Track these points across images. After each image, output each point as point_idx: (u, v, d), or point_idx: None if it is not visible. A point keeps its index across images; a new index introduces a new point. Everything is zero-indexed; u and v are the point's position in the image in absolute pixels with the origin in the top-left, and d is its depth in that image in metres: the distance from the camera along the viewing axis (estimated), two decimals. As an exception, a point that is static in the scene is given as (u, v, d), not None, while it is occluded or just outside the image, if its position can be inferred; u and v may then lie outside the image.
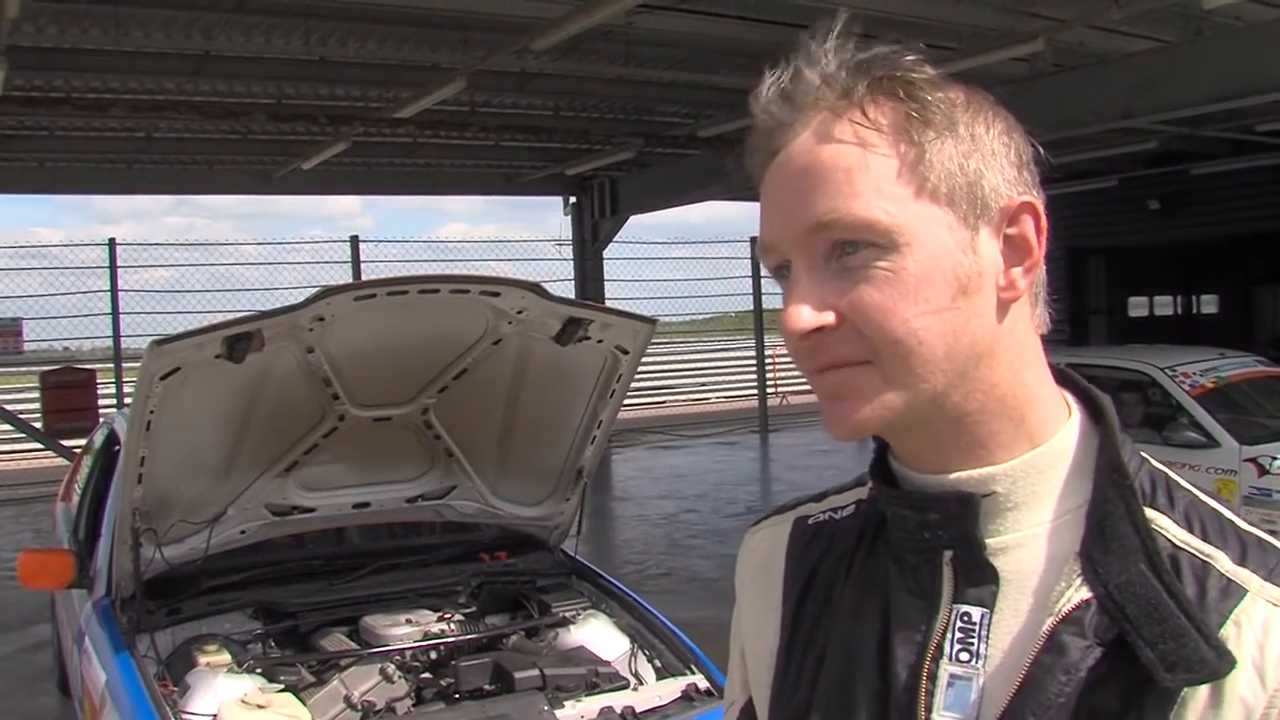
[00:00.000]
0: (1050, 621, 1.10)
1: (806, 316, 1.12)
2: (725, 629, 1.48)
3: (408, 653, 4.76)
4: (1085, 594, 1.10)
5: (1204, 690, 1.04)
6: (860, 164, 1.11)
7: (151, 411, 4.34)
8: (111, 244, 19.50)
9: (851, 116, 1.13)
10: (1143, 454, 1.19)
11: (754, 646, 1.38)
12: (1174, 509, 1.15)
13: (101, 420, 9.19)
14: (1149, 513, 1.13)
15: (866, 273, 1.11)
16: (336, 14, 11.22)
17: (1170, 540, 1.11)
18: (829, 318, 1.12)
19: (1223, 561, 1.10)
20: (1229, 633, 1.05)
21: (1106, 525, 1.12)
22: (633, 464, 20.08)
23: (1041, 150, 1.20)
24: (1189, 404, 9.73)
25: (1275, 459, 9.09)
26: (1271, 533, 1.19)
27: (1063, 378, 1.24)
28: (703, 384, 30.49)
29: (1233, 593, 1.08)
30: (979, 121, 1.15)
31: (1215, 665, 1.03)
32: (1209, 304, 29.44)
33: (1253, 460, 9.21)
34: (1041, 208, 1.16)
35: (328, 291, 4.27)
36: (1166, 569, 1.09)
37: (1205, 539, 1.12)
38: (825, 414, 1.17)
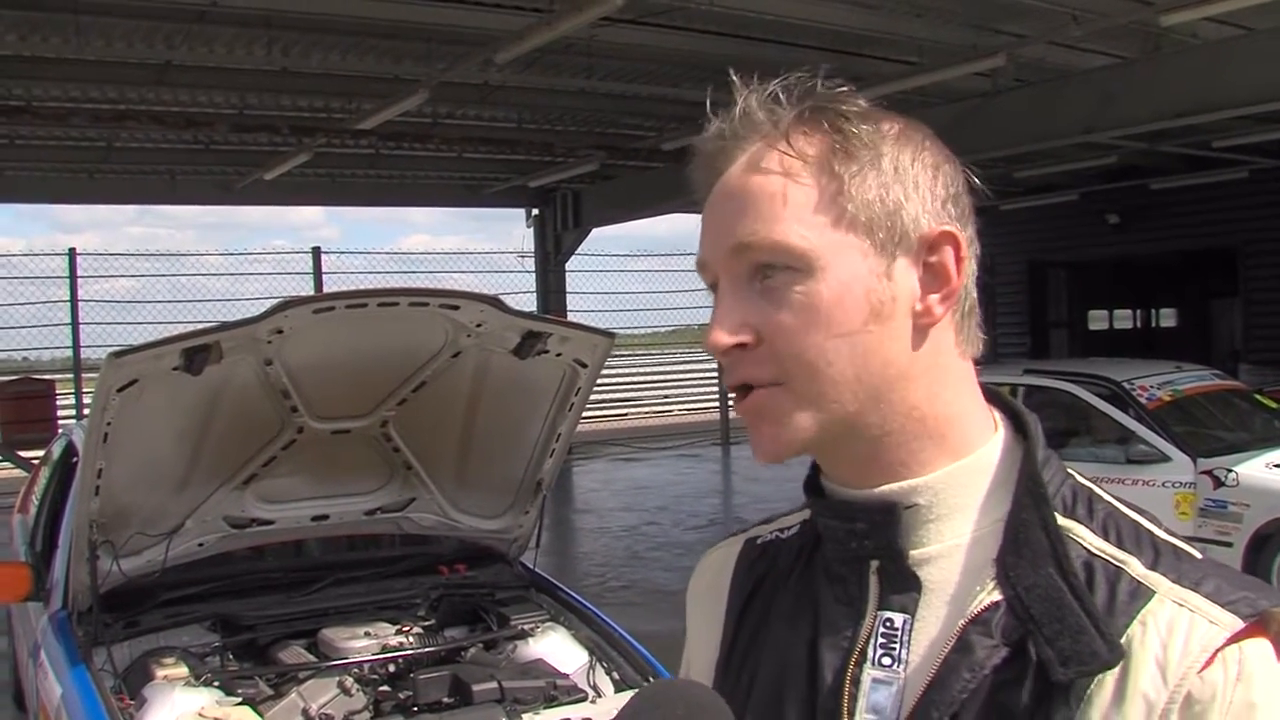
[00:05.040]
0: (960, 623, 1.14)
1: (724, 336, 1.18)
2: (684, 642, 1.50)
3: (366, 665, 4.74)
4: (996, 596, 1.14)
5: (1109, 687, 1.07)
6: (782, 192, 1.17)
7: (109, 423, 4.32)
8: (71, 254, 19.40)
9: (779, 146, 1.19)
10: (1069, 470, 1.23)
11: (696, 660, 1.42)
12: (1092, 519, 1.18)
13: (60, 431, 9.12)
14: (1066, 522, 1.16)
15: (783, 295, 1.16)
16: (299, 25, 11.20)
17: (1085, 548, 1.15)
18: (746, 337, 1.18)
19: (1134, 566, 1.13)
20: (1134, 632, 1.08)
21: (1021, 533, 1.16)
22: (594, 476, 20.08)
23: (977, 181, 1.24)
24: (1145, 417, 9.81)
25: (1230, 471, 9.18)
26: (1227, 545, 1.21)
27: (992, 396, 1.27)
28: (665, 396, 30.47)
29: (1141, 594, 1.10)
30: (905, 153, 1.19)
31: (1106, 657, 1.06)
32: (1167, 318, 29.71)
33: (1209, 473, 9.29)
34: (963, 238, 1.20)
35: (286, 304, 4.27)
36: (1074, 571, 1.12)
37: (1120, 546, 1.15)
38: (750, 438, 1.22)
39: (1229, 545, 8.82)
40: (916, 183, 1.18)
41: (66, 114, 13.51)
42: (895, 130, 1.20)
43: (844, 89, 1.21)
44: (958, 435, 1.21)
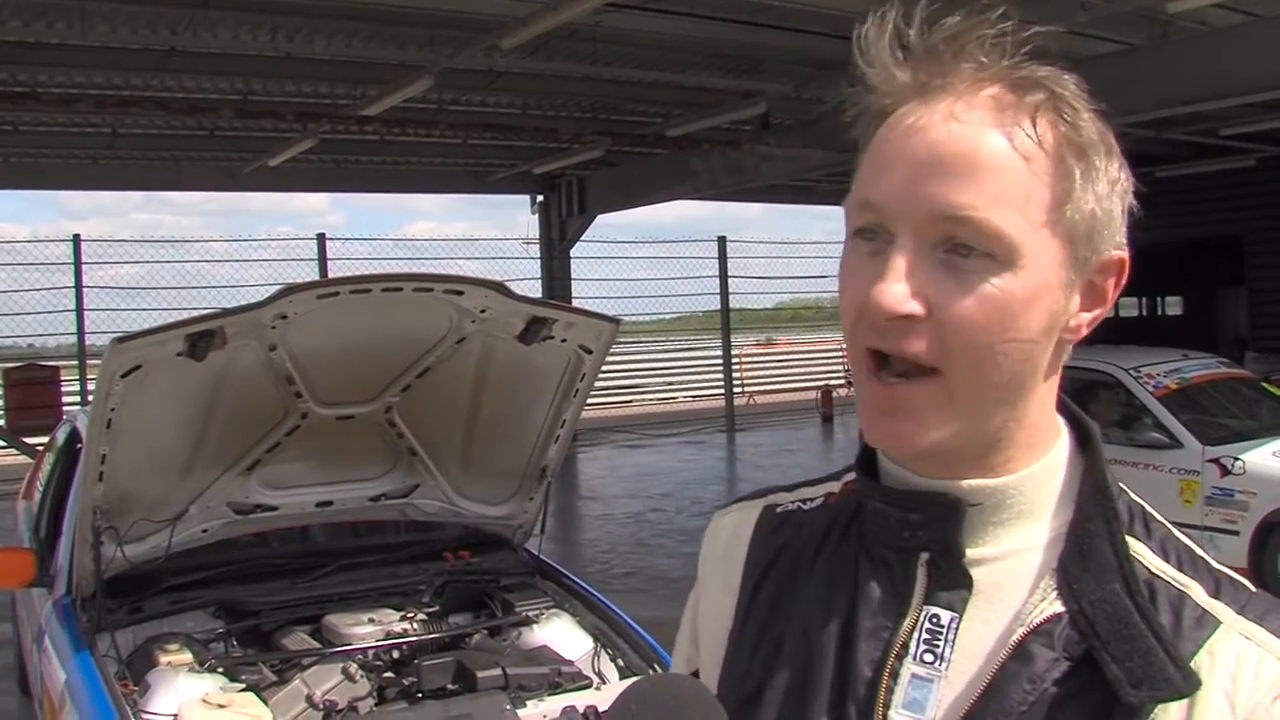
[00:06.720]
0: (1020, 631, 1.11)
1: (900, 300, 1.09)
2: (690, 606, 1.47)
3: (370, 652, 4.74)
4: (1058, 608, 1.11)
5: (1175, 714, 1.05)
6: (1017, 175, 1.09)
7: (112, 409, 4.31)
8: (76, 240, 19.39)
9: (1019, 122, 1.10)
10: (1121, 485, 1.19)
11: (708, 626, 1.38)
12: (1151, 538, 1.16)
13: (64, 417, 9.11)
14: (1127, 538, 1.14)
15: (976, 281, 1.08)
16: (304, 10, 11.19)
17: (1147, 567, 1.13)
18: (918, 308, 1.09)
19: (1197, 592, 1.11)
20: (1202, 661, 1.06)
21: (1086, 544, 1.13)
22: (599, 463, 20.09)
23: (1140, 188, 1.19)
24: (1152, 405, 9.80)
25: (1237, 459, 9.17)
26: (1234, 533, 1.21)
27: (1057, 402, 1.23)
28: (669, 383, 30.46)
29: (1207, 623, 1.09)
30: (1114, 164, 1.15)
31: (1180, 684, 1.04)
32: (1174, 306, 29.65)
33: (1215, 461, 9.28)
34: (1127, 263, 1.16)
35: (290, 289, 4.25)
36: (1140, 591, 1.10)
37: (1180, 569, 1.13)
38: (876, 425, 1.15)
39: (1235, 534, 8.83)
40: (1118, 202, 1.15)
41: (71, 100, 13.47)
42: (1101, 131, 1.15)
43: (1070, 76, 1.15)
44: (1043, 443, 1.19)
